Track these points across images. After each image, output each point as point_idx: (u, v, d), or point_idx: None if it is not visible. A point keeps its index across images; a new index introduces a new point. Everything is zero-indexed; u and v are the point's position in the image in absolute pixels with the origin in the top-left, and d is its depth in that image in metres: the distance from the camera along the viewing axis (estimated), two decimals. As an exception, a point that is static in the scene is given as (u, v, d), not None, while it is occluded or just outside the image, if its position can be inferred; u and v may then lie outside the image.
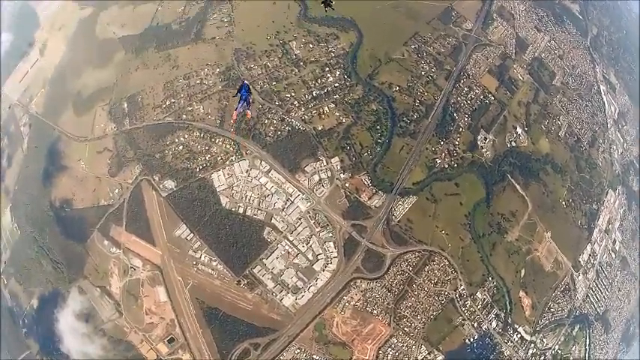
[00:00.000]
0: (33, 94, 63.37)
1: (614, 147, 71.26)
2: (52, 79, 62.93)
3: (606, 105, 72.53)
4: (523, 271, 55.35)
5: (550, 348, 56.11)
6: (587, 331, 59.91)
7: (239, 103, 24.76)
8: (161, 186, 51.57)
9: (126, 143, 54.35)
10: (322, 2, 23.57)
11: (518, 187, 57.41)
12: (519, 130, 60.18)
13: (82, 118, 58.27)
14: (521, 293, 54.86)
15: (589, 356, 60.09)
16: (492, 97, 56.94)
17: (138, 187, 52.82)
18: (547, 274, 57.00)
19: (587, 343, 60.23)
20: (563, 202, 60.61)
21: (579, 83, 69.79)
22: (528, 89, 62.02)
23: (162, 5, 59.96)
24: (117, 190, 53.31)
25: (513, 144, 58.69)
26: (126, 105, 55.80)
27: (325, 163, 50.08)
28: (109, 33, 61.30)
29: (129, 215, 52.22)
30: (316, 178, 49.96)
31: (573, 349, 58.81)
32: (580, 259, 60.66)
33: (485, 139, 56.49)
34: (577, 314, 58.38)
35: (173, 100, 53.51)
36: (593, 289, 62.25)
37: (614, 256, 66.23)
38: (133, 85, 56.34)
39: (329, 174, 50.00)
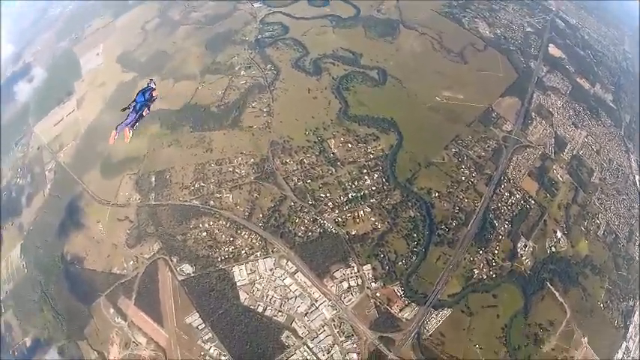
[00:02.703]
0: (64, 143, 61.83)
1: None
2: (85, 135, 61.38)
3: None
4: None
5: None
6: None
7: (129, 115, 17.14)
8: (178, 269, 47.33)
9: (148, 217, 51.03)
10: None
11: (557, 294, 51.24)
12: (559, 234, 54.64)
13: (108, 182, 55.83)
14: None
15: None
16: (533, 202, 51.86)
17: (154, 264, 48.87)
18: None
19: None
20: (601, 305, 53.95)
21: (616, 177, 64.74)
22: (568, 190, 57.14)
23: (203, 85, 58.55)
24: (132, 262, 49.33)
25: (553, 249, 52.96)
26: (154, 179, 52.91)
27: (356, 270, 44.93)
28: None
29: (140, 290, 48.24)
30: (345, 285, 44.74)
31: None
32: (614, 359, 53.63)
33: (526, 246, 50.94)
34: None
35: (202, 184, 50.20)
36: None
37: None
38: (164, 161, 53.65)
39: (359, 282, 44.69)
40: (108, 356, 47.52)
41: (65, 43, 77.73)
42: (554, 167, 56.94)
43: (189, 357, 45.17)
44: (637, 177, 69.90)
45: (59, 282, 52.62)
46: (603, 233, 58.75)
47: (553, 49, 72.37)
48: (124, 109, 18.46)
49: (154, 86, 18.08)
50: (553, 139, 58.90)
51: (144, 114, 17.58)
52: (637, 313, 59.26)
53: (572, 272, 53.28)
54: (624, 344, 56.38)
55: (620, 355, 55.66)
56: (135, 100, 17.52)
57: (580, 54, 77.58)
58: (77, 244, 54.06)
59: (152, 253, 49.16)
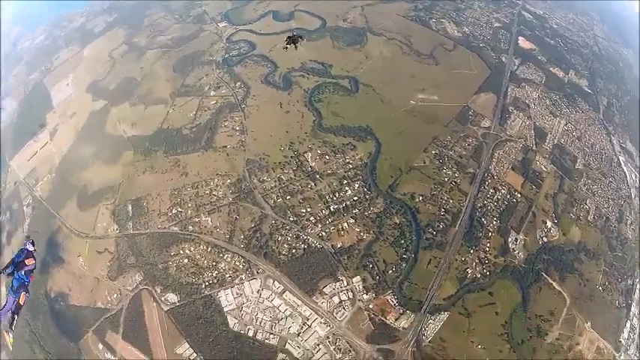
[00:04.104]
0: (39, 177, 60.25)
1: None
2: (60, 167, 59.88)
3: (627, 175, 67.07)
4: None
5: None
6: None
7: (7, 298, 13.28)
8: (163, 299, 45.59)
9: (128, 248, 49.38)
10: (287, 41, 20.56)
11: (554, 283, 50.50)
12: (549, 224, 54.12)
13: (85, 214, 54.11)
14: None
15: None
16: (519, 195, 51.40)
17: (138, 296, 47.09)
18: None
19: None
20: (600, 287, 53.36)
21: (600, 161, 64.88)
22: (553, 179, 56.91)
23: (174, 108, 57.67)
24: (115, 295, 47.53)
25: (545, 239, 52.47)
26: (130, 208, 51.42)
27: (346, 284, 43.56)
28: (120, 130, 58.82)
29: (127, 324, 46.27)
30: (336, 300, 43.30)
31: None
32: (621, 339, 52.55)
33: (517, 240, 50.23)
34: (621, 396, 49.21)
35: (180, 209, 48.79)
36: None
37: None
38: (140, 188, 52.32)
39: (350, 295, 43.28)
40: None
41: (35, 75, 76.76)
42: (536, 158, 56.83)
43: None
44: (622, 158, 70.30)
45: (46, 320, 50.58)
46: (593, 217, 58.48)
47: (523, 42, 73.18)
48: (3, 270, 14.26)
49: (30, 248, 13.96)
50: (533, 131, 58.93)
51: (21, 301, 13.70)
52: (637, 290, 58.84)
53: (567, 259, 52.79)
54: (628, 323, 55.76)
55: (626, 335, 54.99)
56: (11, 263, 13.54)
57: (550, 43, 78.54)
58: (60, 280, 52.17)
59: (135, 285, 47.46)
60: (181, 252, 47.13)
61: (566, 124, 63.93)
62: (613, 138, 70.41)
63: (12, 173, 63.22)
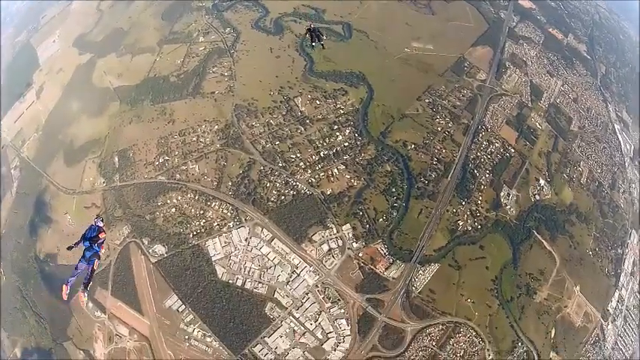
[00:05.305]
0: (26, 138, 58.81)
1: (634, 185, 65.19)
2: (46, 125, 58.34)
3: (622, 144, 66.96)
4: (553, 331, 47.96)
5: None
6: (616, 379, 51.54)
7: (77, 265, 15.55)
8: (150, 250, 44.96)
9: (115, 201, 48.46)
10: (308, 32, 18.35)
11: (545, 243, 50.64)
12: (542, 182, 53.78)
13: (72, 169, 53.00)
14: (552, 354, 47.28)
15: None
16: (513, 150, 50.77)
17: (126, 250, 46.44)
18: (577, 329, 49.50)
19: (614, 393, 51.74)
20: (590, 252, 53.88)
21: (595, 125, 64.46)
22: (547, 137, 56.27)
23: (161, 56, 55.51)
24: (103, 251, 45.53)
25: (537, 197, 52.17)
26: (117, 159, 50.23)
27: (335, 231, 42.95)
28: (106, 82, 56.92)
29: (115, 279, 45.82)
30: (325, 247, 42.78)
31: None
32: (609, 308, 53.41)
33: (509, 195, 49.83)
34: (606, 365, 50.44)
35: (167, 158, 47.54)
36: (622, 335, 54.42)
37: (639, 297, 58.75)
38: (126, 139, 50.95)
39: (340, 243, 42.73)
40: (94, 354, 45.33)
41: (22, 37, 73.46)
42: (531, 115, 56.00)
43: (174, 343, 42.96)
44: (617, 126, 70.03)
45: (37, 284, 50.12)
46: (586, 181, 58.50)
47: (523, 0, 71.18)
48: (69, 248, 16.96)
49: (101, 225, 16.06)
50: (529, 88, 57.86)
51: (95, 267, 15.87)
52: (627, 260, 59.48)
53: (559, 220, 52.85)
54: (617, 292, 56.49)
55: (614, 304, 55.63)
56: (83, 238, 15.66)
57: (551, 5, 76.62)
58: (48, 240, 51.33)
59: (122, 238, 46.60)
60: (168, 202, 46.24)
61: (562, 85, 62.94)
62: (609, 105, 69.87)
63: (-1, 138, 61.88)
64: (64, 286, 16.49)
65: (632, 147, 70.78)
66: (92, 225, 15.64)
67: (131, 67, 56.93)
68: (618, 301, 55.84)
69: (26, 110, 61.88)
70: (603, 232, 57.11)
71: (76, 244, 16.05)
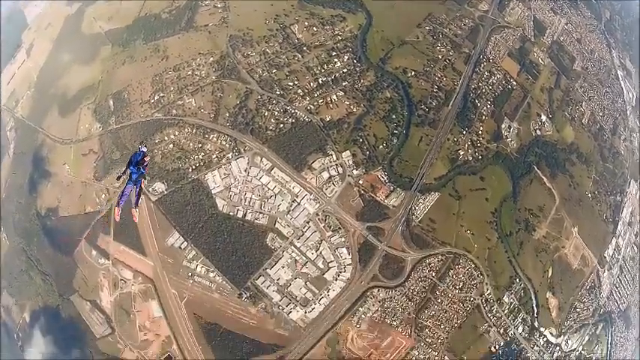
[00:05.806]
0: (19, 97, 57.74)
1: (635, 135, 64.89)
2: (38, 80, 57.12)
3: (624, 91, 66.29)
4: (550, 270, 48.63)
5: (575, 350, 49.19)
6: (610, 330, 52.95)
7: (125, 188, 16.61)
8: (150, 189, 44.47)
9: (112, 144, 48.02)
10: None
11: (545, 179, 50.71)
12: (544, 118, 53.33)
13: (67, 120, 52.26)
14: (549, 294, 48.16)
15: (610, 355, 53.04)
16: (514, 83, 50.08)
17: None
18: (574, 272, 50.23)
19: (610, 341, 53.14)
20: (589, 195, 54.21)
21: (598, 68, 63.50)
22: (550, 74, 55.43)
23: (152, -6, 54.21)
24: (103, 196, 46.75)
25: (538, 132, 51.88)
26: (112, 102, 49.33)
27: (335, 158, 42.79)
28: (96, 28, 55.38)
29: (117, 223, 45.33)
30: (325, 175, 42.72)
31: (596, 348, 51.69)
32: (605, 255, 54.11)
33: (510, 127, 49.51)
34: (601, 312, 51.68)
35: (162, 95, 46.75)
36: (617, 285, 55.57)
37: (636, 249, 59.55)
38: (120, 81, 49.95)
39: (340, 170, 42.63)
40: (100, 303, 45.68)
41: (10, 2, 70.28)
42: (534, 49, 54.98)
43: (178, 281, 43.47)
44: (620, 72, 68.88)
45: (40, 241, 50.29)
46: (588, 122, 58.13)
47: None
48: (118, 177, 19.03)
49: (145, 150, 17.29)
50: (532, 22, 56.52)
51: (142, 186, 17.11)
52: (626, 209, 59.76)
53: (559, 158, 52.73)
54: (614, 240, 56.95)
55: (610, 252, 56.07)
56: (130, 169, 16.73)
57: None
58: (48, 195, 51.21)
59: (122, 180, 46.60)
60: (166, 138, 45.69)
61: (566, 24, 61.44)
62: (613, 51, 68.61)
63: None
64: (116, 208, 19.32)
65: (635, 96, 70.17)
66: (136, 151, 16.79)
67: (121, 10, 55.17)
68: (615, 249, 56.38)
69: (17, 70, 60.41)
70: (603, 175, 57.20)
71: (124, 172, 17.03)
